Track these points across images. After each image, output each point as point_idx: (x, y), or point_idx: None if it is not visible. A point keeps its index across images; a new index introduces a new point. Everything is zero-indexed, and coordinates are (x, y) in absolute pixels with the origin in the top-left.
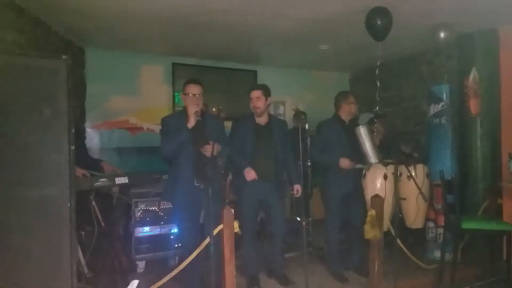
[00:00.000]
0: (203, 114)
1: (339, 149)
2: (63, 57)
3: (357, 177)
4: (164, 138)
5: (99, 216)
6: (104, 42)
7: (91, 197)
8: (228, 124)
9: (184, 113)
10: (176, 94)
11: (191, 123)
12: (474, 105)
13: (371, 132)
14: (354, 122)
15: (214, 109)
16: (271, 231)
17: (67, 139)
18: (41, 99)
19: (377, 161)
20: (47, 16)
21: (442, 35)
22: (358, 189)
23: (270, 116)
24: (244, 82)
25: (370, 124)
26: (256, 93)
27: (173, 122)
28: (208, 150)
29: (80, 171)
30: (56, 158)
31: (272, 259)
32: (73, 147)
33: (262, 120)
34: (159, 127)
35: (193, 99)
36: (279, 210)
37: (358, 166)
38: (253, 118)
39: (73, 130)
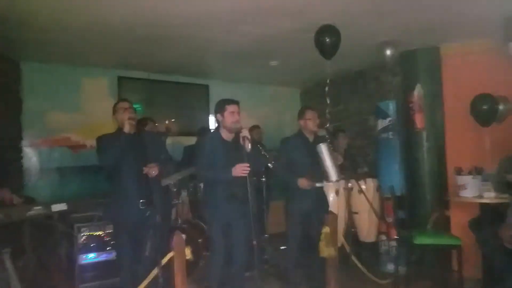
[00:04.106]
0: (141, 132)
1: (301, 166)
2: None
3: (321, 194)
4: (102, 150)
5: (36, 246)
6: (41, 55)
7: (24, 227)
8: (180, 139)
9: (120, 131)
10: None
11: (127, 128)
12: (419, 120)
13: (332, 150)
14: (318, 139)
15: (164, 125)
16: (234, 257)
17: None
18: None
19: (337, 179)
20: None
21: (387, 52)
22: (322, 206)
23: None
24: (195, 96)
25: (333, 137)
26: (236, 107)
27: (110, 138)
28: (152, 170)
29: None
30: None
31: (232, 285)
32: None
33: (229, 136)
34: None
35: (125, 112)
36: (245, 238)
37: (318, 185)
38: (219, 134)
39: None
